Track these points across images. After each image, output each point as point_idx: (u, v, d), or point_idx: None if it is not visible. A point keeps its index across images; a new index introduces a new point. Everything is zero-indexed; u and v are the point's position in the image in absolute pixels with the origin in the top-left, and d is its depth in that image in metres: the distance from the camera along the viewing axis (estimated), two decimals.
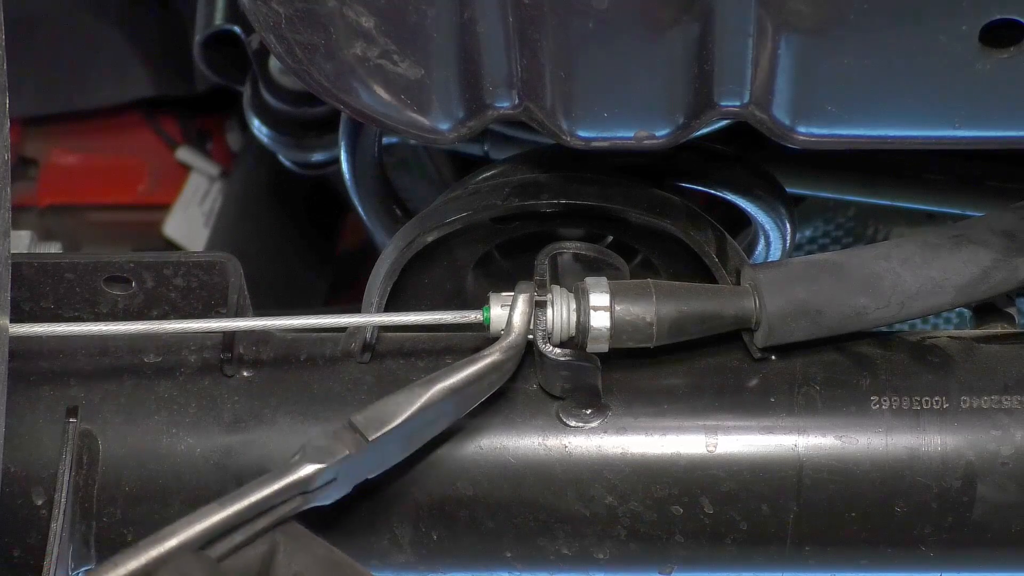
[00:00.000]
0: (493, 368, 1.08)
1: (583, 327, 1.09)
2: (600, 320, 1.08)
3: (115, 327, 1.11)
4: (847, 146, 1.02)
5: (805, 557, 1.13)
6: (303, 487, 1.03)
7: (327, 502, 1.05)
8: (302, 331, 1.18)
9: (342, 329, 1.18)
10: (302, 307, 1.99)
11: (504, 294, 1.10)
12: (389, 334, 1.18)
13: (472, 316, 1.10)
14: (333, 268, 2.13)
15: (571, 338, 1.10)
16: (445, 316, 1.11)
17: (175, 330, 1.11)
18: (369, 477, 1.07)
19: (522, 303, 1.09)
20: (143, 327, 1.11)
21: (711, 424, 1.12)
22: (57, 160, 2.21)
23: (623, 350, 1.10)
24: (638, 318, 1.08)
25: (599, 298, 1.08)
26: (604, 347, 1.09)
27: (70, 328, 1.10)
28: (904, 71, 0.96)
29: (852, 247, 1.26)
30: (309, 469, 1.03)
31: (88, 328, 1.10)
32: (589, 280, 1.10)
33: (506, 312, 1.09)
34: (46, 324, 1.11)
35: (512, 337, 1.08)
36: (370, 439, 1.04)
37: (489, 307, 1.10)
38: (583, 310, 1.09)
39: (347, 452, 1.03)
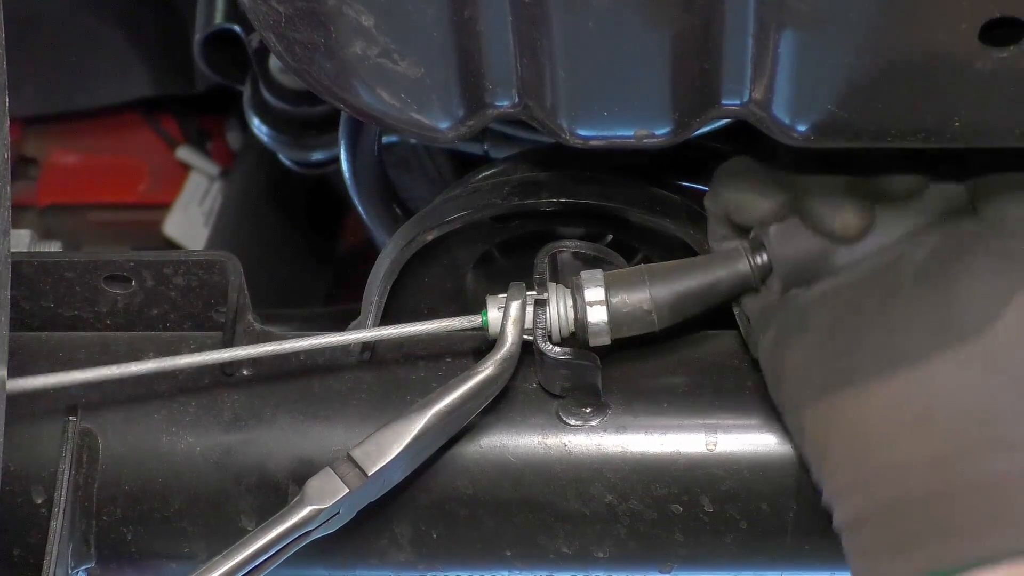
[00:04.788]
0: (489, 383, 1.08)
1: (581, 324, 1.09)
2: (597, 315, 1.08)
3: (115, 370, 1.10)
4: (847, 145, 1.02)
5: (805, 555, 1.13)
6: (305, 528, 1.05)
7: (331, 531, 1.06)
8: (305, 351, 1.17)
9: (342, 326, 1.18)
10: (302, 306, 1.99)
11: (501, 296, 1.10)
12: None
13: (477, 321, 1.10)
14: (333, 268, 2.13)
15: (572, 334, 1.10)
16: (451, 323, 1.11)
17: (174, 366, 1.10)
18: (371, 501, 1.08)
19: (515, 310, 1.09)
20: (148, 366, 1.10)
21: (711, 423, 1.12)
22: (57, 159, 2.21)
23: (628, 338, 1.10)
24: (636, 308, 1.08)
25: (594, 293, 1.08)
26: (607, 340, 1.09)
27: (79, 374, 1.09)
28: (903, 70, 0.96)
29: None
30: (311, 511, 1.05)
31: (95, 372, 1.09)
32: (584, 274, 1.09)
33: (503, 313, 1.09)
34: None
35: (505, 349, 1.08)
36: (370, 474, 1.05)
37: (487, 311, 1.10)
38: (580, 306, 1.08)
39: (347, 491, 1.05)
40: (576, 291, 1.09)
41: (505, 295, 1.10)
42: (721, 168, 1.13)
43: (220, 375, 1.15)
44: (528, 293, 1.10)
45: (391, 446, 1.05)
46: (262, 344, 1.11)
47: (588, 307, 1.08)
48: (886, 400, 1.00)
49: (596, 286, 1.08)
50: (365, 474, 1.05)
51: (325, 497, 1.04)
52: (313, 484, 1.05)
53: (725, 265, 1.10)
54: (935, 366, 0.99)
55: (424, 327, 1.11)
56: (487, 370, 1.08)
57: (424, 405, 1.07)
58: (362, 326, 1.17)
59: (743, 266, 1.10)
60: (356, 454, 1.05)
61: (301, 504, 1.05)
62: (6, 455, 1.08)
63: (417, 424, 1.06)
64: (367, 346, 1.16)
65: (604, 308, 1.08)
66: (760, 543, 1.12)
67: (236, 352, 1.10)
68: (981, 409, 0.98)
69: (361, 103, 1.03)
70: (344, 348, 1.16)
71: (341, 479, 1.05)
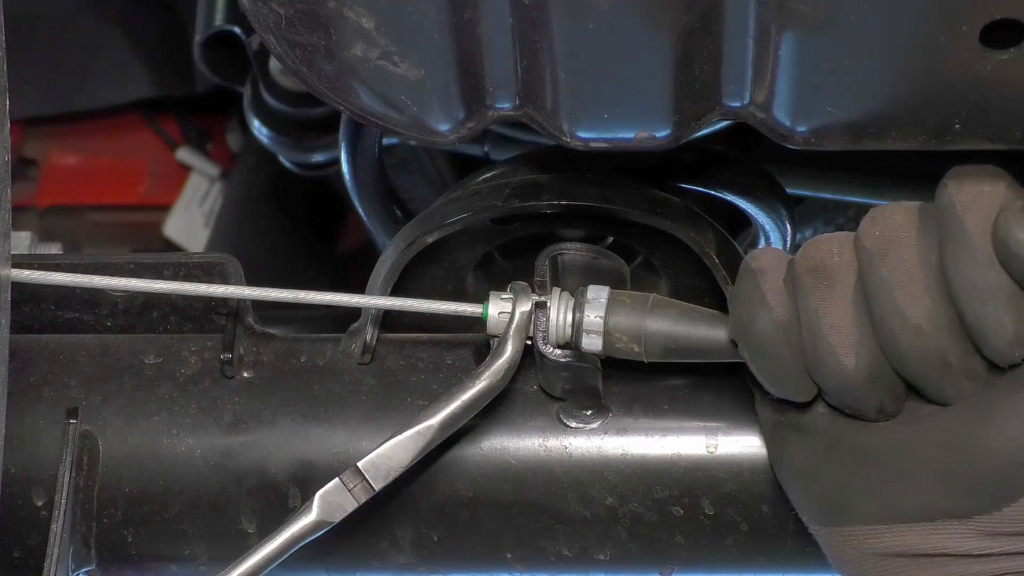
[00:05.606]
0: (488, 391, 1.08)
1: (576, 343, 1.08)
2: (592, 344, 1.07)
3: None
4: (847, 146, 1.02)
5: (806, 558, 1.12)
6: (309, 539, 1.06)
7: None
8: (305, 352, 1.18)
9: (342, 328, 1.19)
10: (302, 308, 1.99)
11: (504, 297, 1.10)
12: (389, 335, 1.18)
13: (478, 309, 1.10)
14: (333, 268, 2.13)
15: (567, 343, 1.09)
16: (458, 308, 1.10)
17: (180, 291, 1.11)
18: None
19: (519, 317, 1.08)
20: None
21: (712, 425, 1.12)
22: (57, 161, 2.21)
23: None
24: (627, 346, 1.07)
25: (593, 322, 1.07)
26: (600, 356, 1.09)
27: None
28: (904, 72, 0.96)
29: None
30: (318, 522, 1.06)
31: None
32: (590, 294, 1.08)
33: (503, 318, 1.09)
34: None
35: (508, 356, 1.08)
36: (377, 489, 1.06)
37: (488, 305, 1.10)
38: (577, 323, 1.08)
39: (356, 504, 1.06)
40: (577, 309, 1.08)
41: (508, 295, 1.09)
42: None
43: (220, 377, 1.15)
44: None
45: (399, 459, 1.06)
46: (255, 288, 1.11)
47: (584, 334, 1.07)
48: (888, 546, 1.00)
49: (596, 315, 1.07)
50: (373, 488, 1.06)
51: (335, 512, 1.06)
52: (323, 496, 1.05)
53: (723, 330, 1.06)
54: (943, 525, 0.98)
55: (427, 304, 1.10)
56: (487, 380, 1.07)
57: (430, 415, 1.07)
58: (362, 328, 1.17)
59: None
60: (364, 467, 1.06)
61: (308, 514, 1.05)
62: (6, 457, 1.08)
63: (425, 436, 1.06)
64: (367, 349, 1.16)
65: (599, 338, 1.07)
66: (761, 545, 1.12)
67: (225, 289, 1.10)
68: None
69: (361, 105, 1.03)
70: (345, 350, 1.17)
71: (350, 492, 1.05)
